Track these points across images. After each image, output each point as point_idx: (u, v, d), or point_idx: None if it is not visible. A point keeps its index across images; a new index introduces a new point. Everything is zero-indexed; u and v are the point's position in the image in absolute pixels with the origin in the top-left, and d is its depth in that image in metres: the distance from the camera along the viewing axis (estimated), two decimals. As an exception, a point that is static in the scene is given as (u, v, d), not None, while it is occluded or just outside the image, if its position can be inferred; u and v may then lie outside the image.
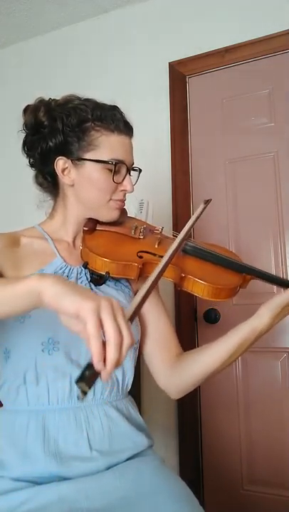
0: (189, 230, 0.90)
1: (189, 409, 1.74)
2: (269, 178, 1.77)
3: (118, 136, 0.88)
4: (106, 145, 0.87)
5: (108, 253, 0.86)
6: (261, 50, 1.82)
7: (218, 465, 1.70)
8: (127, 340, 0.55)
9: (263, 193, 1.77)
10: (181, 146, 1.92)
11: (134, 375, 0.91)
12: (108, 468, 0.78)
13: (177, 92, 1.96)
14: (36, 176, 0.96)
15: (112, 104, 0.93)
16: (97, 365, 0.52)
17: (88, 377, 0.52)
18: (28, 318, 0.79)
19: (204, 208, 0.96)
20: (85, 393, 0.51)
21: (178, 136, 1.92)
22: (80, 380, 0.51)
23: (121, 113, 0.92)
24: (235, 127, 1.86)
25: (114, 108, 0.92)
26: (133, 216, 1.04)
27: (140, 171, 0.95)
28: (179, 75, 1.97)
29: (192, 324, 1.79)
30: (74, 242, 0.95)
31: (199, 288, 0.86)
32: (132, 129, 0.93)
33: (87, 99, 0.91)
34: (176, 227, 1.81)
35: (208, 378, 0.89)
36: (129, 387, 0.91)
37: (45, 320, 0.79)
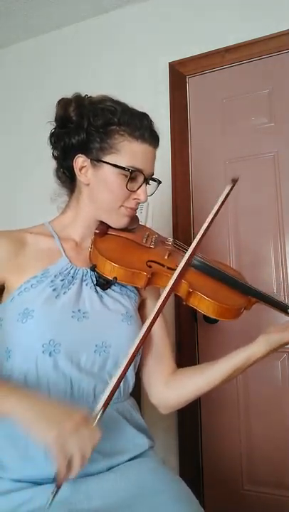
0: (200, 240, 0.89)
1: (189, 410, 1.74)
2: (269, 178, 1.77)
3: (141, 145, 0.87)
4: (127, 151, 0.86)
5: (118, 258, 0.85)
6: (261, 50, 1.82)
7: (218, 465, 1.70)
8: (88, 453, 0.64)
9: (263, 193, 1.77)
10: (181, 146, 1.92)
11: (135, 378, 0.92)
12: (109, 469, 0.78)
13: (177, 92, 1.96)
14: (57, 169, 0.96)
15: (143, 111, 0.92)
16: (60, 478, 0.64)
17: (56, 489, 0.65)
18: (31, 318, 0.79)
19: (229, 192, 0.97)
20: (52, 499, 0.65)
21: (178, 136, 1.92)
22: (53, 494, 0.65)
23: (150, 122, 0.91)
24: (235, 127, 1.86)
25: (144, 116, 0.91)
26: (144, 224, 1.04)
27: (159, 182, 0.95)
28: (179, 75, 1.97)
29: (192, 324, 1.79)
30: (81, 242, 0.94)
31: (205, 305, 0.85)
32: (157, 139, 0.92)
33: (119, 103, 0.91)
34: (176, 227, 1.80)
35: (198, 396, 0.91)
36: (131, 389, 0.91)
37: (47, 321, 0.79)
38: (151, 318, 0.70)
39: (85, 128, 0.87)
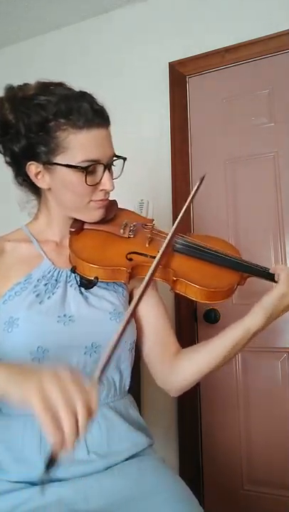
0: (177, 225, 0.86)
1: (189, 409, 1.74)
2: (269, 178, 1.77)
3: (88, 133, 0.78)
4: (76, 145, 0.78)
5: (96, 258, 0.83)
6: (261, 50, 1.82)
7: (218, 465, 1.70)
8: (80, 409, 0.52)
9: (263, 193, 1.77)
10: (181, 146, 1.92)
11: (135, 375, 0.91)
12: (106, 469, 0.78)
13: (177, 92, 1.96)
14: (15, 176, 0.90)
15: (81, 90, 0.83)
16: (55, 448, 0.51)
17: (52, 460, 0.51)
18: (16, 327, 0.77)
19: (198, 187, 0.92)
20: (47, 475, 0.51)
21: (178, 136, 1.92)
22: (47, 467, 0.51)
23: (90, 101, 0.81)
24: (235, 127, 1.86)
25: (82, 97, 0.81)
26: (123, 208, 0.98)
27: (124, 159, 0.87)
28: (179, 75, 1.97)
29: (192, 324, 1.79)
30: (62, 241, 0.91)
31: (192, 291, 0.82)
32: (105, 116, 0.82)
33: (51, 92, 0.80)
34: (176, 227, 1.80)
35: (205, 376, 0.88)
36: (127, 386, 0.91)
37: (33, 329, 0.78)
38: (130, 311, 0.66)
39: (23, 134, 0.80)
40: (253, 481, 1.64)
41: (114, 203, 0.94)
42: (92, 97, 0.83)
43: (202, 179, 0.94)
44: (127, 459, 0.81)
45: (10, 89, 0.84)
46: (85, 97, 0.81)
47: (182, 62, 1.95)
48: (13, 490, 0.73)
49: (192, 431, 1.74)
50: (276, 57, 1.82)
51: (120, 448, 0.81)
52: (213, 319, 1.72)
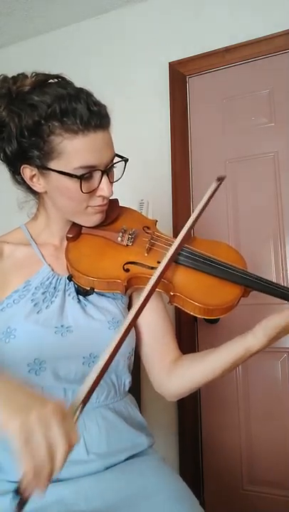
0: (182, 241, 0.79)
1: (189, 409, 1.74)
2: (269, 178, 1.77)
3: (84, 137, 0.73)
4: (71, 151, 0.73)
5: (91, 269, 0.80)
6: (261, 50, 1.82)
7: (218, 465, 1.70)
8: (60, 451, 0.50)
9: (263, 193, 1.77)
10: (181, 146, 1.92)
11: (134, 374, 0.91)
12: (106, 469, 0.77)
13: (177, 92, 1.96)
14: (13, 175, 0.86)
15: (78, 87, 0.78)
16: (26, 490, 0.48)
17: (19, 502, 0.49)
18: (13, 338, 0.75)
19: (216, 189, 0.81)
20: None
21: (178, 136, 1.92)
22: (14, 500, 0.48)
23: (87, 100, 0.75)
24: (235, 127, 1.86)
25: (78, 96, 0.75)
26: (125, 206, 0.94)
27: (126, 160, 0.83)
28: (179, 75, 1.97)
29: (192, 324, 1.79)
30: (61, 244, 0.88)
31: (190, 307, 0.78)
32: (103, 117, 0.76)
33: (45, 92, 0.75)
34: (176, 227, 1.80)
35: (203, 385, 0.86)
36: (127, 387, 0.90)
37: (30, 340, 0.76)
38: (128, 323, 0.63)
39: (14, 136, 0.75)
40: (253, 481, 1.64)
41: (115, 202, 0.91)
42: (90, 96, 0.77)
43: (221, 180, 0.83)
44: (127, 459, 0.81)
45: (4, 81, 0.78)
46: (81, 96, 0.75)
47: (182, 62, 1.96)
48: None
49: (192, 431, 1.74)
50: (276, 57, 1.82)
51: (120, 448, 0.80)
52: (213, 319, 1.72)
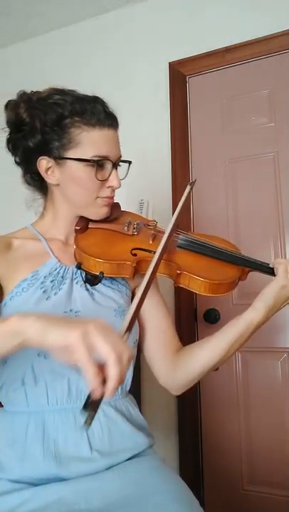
0: (176, 221, 0.88)
1: (189, 409, 1.74)
2: (269, 178, 1.77)
3: (100, 131, 0.84)
4: (88, 141, 0.83)
5: (101, 253, 0.84)
6: (261, 50, 1.82)
7: (218, 465, 1.70)
8: (125, 355, 0.54)
9: (263, 193, 1.77)
10: (181, 146, 1.92)
11: (135, 374, 0.91)
12: (108, 468, 0.78)
13: (177, 92, 1.96)
14: (24, 175, 0.93)
15: (94, 95, 0.88)
16: (95, 392, 0.53)
17: (91, 403, 0.53)
18: None
19: (189, 191, 0.93)
20: (90, 420, 0.52)
21: (178, 136, 1.92)
22: (85, 407, 0.52)
23: (103, 104, 0.87)
24: (235, 127, 1.86)
25: (95, 100, 0.87)
26: (126, 210, 1.01)
27: (130, 162, 0.91)
28: (179, 75, 1.97)
29: (192, 324, 1.79)
30: (67, 240, 0.93)
31: (196, 284, 0.83)
32: (115, 119, 0.88)
33: (66, 93, 0.86)
34: (177, 227, 1.80)
35: (207, 372, 0.89)
36: (129, 386, 0.91)
37: None
38: (136, 302, 0.67)
39: (39, 129, 0.84)
40: (253, 481, 1.64)
41: (117, 205, 0.96)
42: (104, 102, 0.88)
43: (192, 184, 0.96)
44: (127, 459, 0.81)
45: (24, 94, 0.89)
46: (97, 100, 0.87)
47: (182, 62, 1.96)
48: (14, 490, 0.73)
49: (192, 431, 1.74)
50: (276, 57, 1.82)
51: (122, 447, 0.81)
52: (213, 319, 1.72)
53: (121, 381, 0.53)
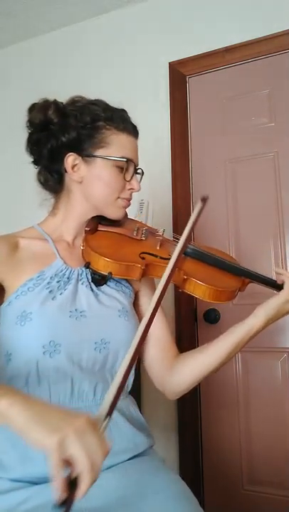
0: (190, 231, 0.91)
1: (189, 409, 1.74)
2: (269, 178, 1.77)
3: (128, 137, 0.91)
4: (116, 143, 0.89)
5: (111, 253, 0.86)
6: (261, 50, 1.82)
7: (218, 465, 1.70)
8: (99, 459, 0.54)
9: (263, 193, 1.77)
10: (181, 146, 1.92)
11: (134, 375, 0.91)
12: (108, 468, 0.78)
13: (177, 92, 1.96)
14: (40, 173, 0.96)
15: (120, 107, 0.95)
16: (62, 496, 0.52)
17: (62, 504, 0.52)
18: (29, 321, 0.79)
19: (202, 206, 0.97)
20: None
21: (178, 136, 1.92)
22: (56, 508, 0.52)
23: (128, 116, 0.95)
24: (235, 127, 1.86)
25: (123, 110, 0.95)
26: (133, 217, 1.05)
27: (143, 173, 0.97)
28: (179, 75, 1.97)
29: (192, 324, 1.79)
30: (74, 241, 0.94)
31: (200, 290, 0.87)
32: (138, 132, 0.95)
33: (97, 100, 0.93)
34: (177, 227, 1.81)
35: (203, 378, 0.91)
36: (130, 387, 0.91)
37: (46, 323, 0.79)
38: (151, 311, 0.70)
39: (74, 126, 0.89)
40: (253, 481, 1.64)
41: (125, 212, 0.99)
42: (129, 115, 0.95)
43: (205, 200, 0.99)
44: (128, 459, 0.81)
45: (48, 99, 0.92)
46: (125, 111, 0.95)
47: (182, 62, 1.96)
48: (13, 489, 0.73)
49: (192, 431, 1.74)
50: (276, 57, 1.82)
51: (123, 448, 0.81)
52: (213, 319, 1.72)
53: (92, 483, 0.54)
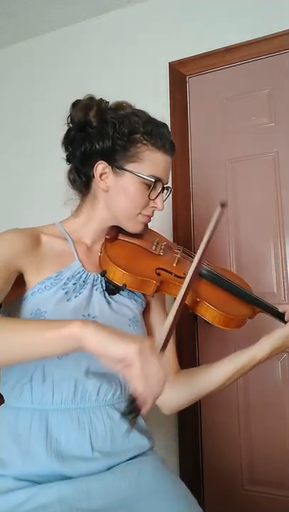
0: (206, 245, 0.89)
1: (189, 410, 1.73)
2: (269, 178, 1.77)
3: (162, 155, 0.89)
4: (150, 160, 0.87)
5: (128, 266, 0.86)
6: (261, 50, 1.82)
7: (218, 465, 1.70)
8: (164, 376, 0.61)
9: (263, 193, 1.77)
10: (181, 146, 1.92)
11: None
12: (109, 468, 0.79)
13: (177, 92, 1.96)
14: (70, 172, 0.96)
15: (163, 121, 0.94)
16: (139, 403, 0.60)
17: (133, 410, 0.61)
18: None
19: (221, 213, 0.94)
20: (132, 424, 0.60)
21: (178, 136, 1.92)
22: (128, 413, 0.61)
23: (169, 132, 0.93)
24: (235, 127, 1.86)
25: (165, 126, 0.93)
26: (155, 230, 1.04)
27: (171, 190, 0.96)
28: (179, 75, 1.97)
29: (192, 325, 1.79)
30: (92, 246, 0.94)
31: (211, 314, 0.87)
32: (174, 150, 0.93)
33: (140, 111, 0.92)
34: (176, 227, 1.80)
35: (201, 398, 0.92)
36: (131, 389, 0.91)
37: None
38: (166, 334, 0.73)
39: (110, 135, 0.87)
40: (253, 481, 1.64)
41: (147, 224, 0.99)
42: (170, 131, 0.93)
43: (223, 206, 0.96)
44: (128, 460, 0.82)
45: (93, 98, 0.91)
46: (166, 127, 0.93)
47: (182, 62, 1.96)
48: (16, 488, 0.73)
49: (192, 431, 1.74)
50: (276, 57, 1.82)
51: (123, 448, 0.82)
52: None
53: (157, 398, 0.62)
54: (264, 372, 1.68)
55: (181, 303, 0.77)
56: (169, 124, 1.90)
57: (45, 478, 0.74)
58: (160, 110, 1.96)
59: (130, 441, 0.83)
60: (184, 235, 1.80)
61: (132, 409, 0.60)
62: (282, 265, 1.70)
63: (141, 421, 0.90)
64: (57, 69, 2.24)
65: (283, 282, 1.69)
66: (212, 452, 1.72)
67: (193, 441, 1.74)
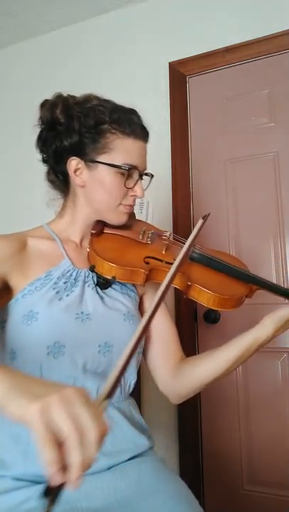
0: (194, 239, 0.88)
1: (189, 410, 1.74)
2: (269, 178, 1.77)
3: (133, 141, 0.87)
4: (121, 149, 0.86)
5: (115, 258, 0.85)
6: (261, 50, 1.82)
7: (218, 465, 1.70)
8: (90, 433, 0.44)
9: (263, 193, 1.77)
10: (181, 146, 1.92)
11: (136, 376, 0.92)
12: (109, 468, 0.78)
13: (177, 92, 1.96)
14: (48, 173, 0.95)
15: (131, 107, 0.91)
16: (54, 479, 0.43)
17: (50, 490, 0.44)
18: (35, 321, 0.79)
19: (203, 222, 0.93)
20: (49, 508, 0.43)
21: (178, 136, 1.92)
22: (44, 494, 0.44)
23: (139, 117, 0.91)
24: (235, 127, 1.86)
25: (133, 112, 0.91)
26: (141, 219, 1.03)
27: (152, 176, 0.95)
28: (179, 75, 1.97)
29: (192, 324, 1.79)
30: (81, 242, 0.94)
31: (205, 297, 0.85)
32: (148, 134, 0.91)
33: (106, 101, 0.90)
34: (176, 226, 1.81)
35: (208, 385, 0.89)
36: (132, 389, 0.91)
37: (52, 323, 0.79)
38: (149, 313, 0.67)
39: (76, 130, 0.86)
40: (253, 481, 1.64)
41: (132, 213, 0.98)
42: (140, 116, 0.91)
43: (205, 218, 0.94)
44: (128, 460, 0.81)
45: (60, 95, 0.90)
46: (134, 112, 0.90)
47: (182, 62, 1.96)
48: (15, 488, 0.73)
49: (192, 431, 1.74)
50: (276, 57, 1.82)
51: (123, 448, 0.82)
52: (213, 319, 1.72)
53: (87, 466, 0.44)
54: (264, 372, 1.68)
55: (167, 286, 0.72)
56: (169, 124, 1.94)
57: (45, 478, 0.74)
58: (160, 110, 1.97)
59: (130, 441, 0.83)
60: (184, 235, 1.79)
61: (47, 489, 0.44)
62: (282, 265, 1.70)
63: (142, 421, 0.90)
64: (57, 69, 2.24)
65: (283, 282, 1.69)
66: (212, 452, 1.72)
67: (193, 441, 1.74)
